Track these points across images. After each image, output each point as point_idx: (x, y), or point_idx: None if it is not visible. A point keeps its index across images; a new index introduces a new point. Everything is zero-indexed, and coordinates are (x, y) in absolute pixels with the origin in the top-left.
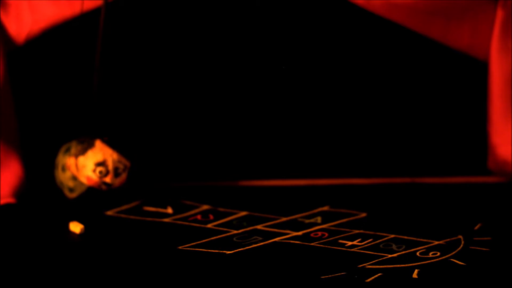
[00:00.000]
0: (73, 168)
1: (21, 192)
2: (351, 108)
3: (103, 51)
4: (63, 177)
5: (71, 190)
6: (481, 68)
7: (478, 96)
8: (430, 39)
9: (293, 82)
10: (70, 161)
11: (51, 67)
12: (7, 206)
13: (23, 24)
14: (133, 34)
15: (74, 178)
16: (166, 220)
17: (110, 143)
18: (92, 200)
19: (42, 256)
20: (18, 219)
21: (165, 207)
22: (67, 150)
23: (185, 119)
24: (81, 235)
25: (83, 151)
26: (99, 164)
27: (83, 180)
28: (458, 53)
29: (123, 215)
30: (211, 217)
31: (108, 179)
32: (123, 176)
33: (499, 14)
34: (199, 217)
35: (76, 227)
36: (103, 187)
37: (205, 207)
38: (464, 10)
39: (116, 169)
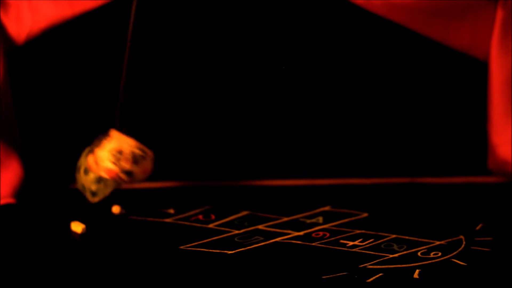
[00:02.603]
0: (93, 167)
1: (21, 192)
2: (352, 108)
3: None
4: (85, 180)
5: (94, 194)
6: (481, 68)
7: (478, 96)
8: (430, 39)
9: (294, 82)
10: (90, 159)
11: (51, 67)
12: (7, 206)
13: (23, 24)
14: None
15: (98, 181)
16: (167, 220)
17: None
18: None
19: (43, 255)
20: (18, 219)
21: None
22: (90, 152)
23: (187, 119)
24: (82, 234)
25: (99, 144)
26: (114, 152)
27: (103, 174)
28: (458, 53)
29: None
30: (213, 217)
31: (125, 165)
32: (145, 164)
33: (499, 14)
34: (200, 217)
35: (77, 227)
36: (123, 176)
37: (207, 206)
38: (464, 10)
39: (134, 156)
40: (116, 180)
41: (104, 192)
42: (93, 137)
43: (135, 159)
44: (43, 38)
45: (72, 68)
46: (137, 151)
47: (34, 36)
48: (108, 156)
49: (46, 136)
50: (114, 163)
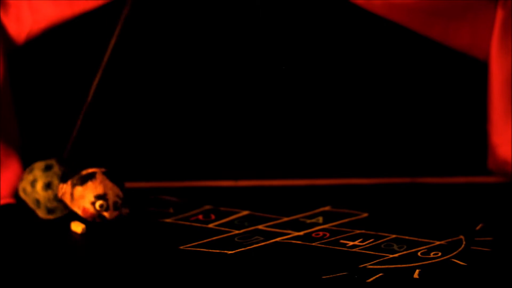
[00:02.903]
0: (66, 196)
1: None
2: (352, 108)
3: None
4: (42, 196)
5: (50, 211)
6: (481, 68)
7: (478, 96)
8: (430, 39)
9: (295, 82)
10: (64, 188)
11: (51, 67)
12: (7, 206)
13: (23, 24)
14: (131, 34)
15: (58, 200)
16: (167, 220)
17: (109, 174)
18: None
19: (43, 255)
20: (19, 219)
21: (168, 207)
22: (48, 168)
23: (187, 119)
24: (82, 234)
25: (82, 181)
26: (99, 197)
27: (77, 210)
28: (458, 53)
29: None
30: (213, 217)
31: (107, 214)
32: (122, 211)
33: (499, 14)
34: (200, 217)
35: (77, 227)
36: (97, 220)
37: (207, 207)
38: (464, 10)
39: (115, 203)
40: (87, 219)
41: (63, 211)
42: (93, 137)
43: (115, 207)
44: (43, 38)
45: (72, 68)
46: (118, 200)
47: (34, 36)
48: (90, 199)
49: (46, 136)
50: (94, 207)
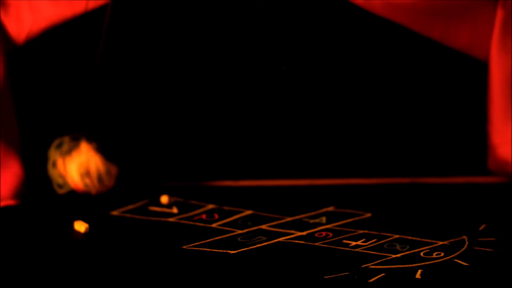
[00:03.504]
0: (62, 170)
1: (21, 192)
2: (353, 108)
3: (103, 51)
4: (53, 173)
5: (60, 186)
6: (481, 68)
7: (478, 96)
8: (430, 39)
9: (296, 83)
10: (60, 161)
11: (51, 67)
12: (8, 207)
13: (23, 24)
14: (131, 33)
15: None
16: (171, 219)
17: (99, 148)
18: (97, 199)
19: (47, 255)
20: (20, 220)
21: (171, 207)
22: (59, 146)
23: (191, 119)
24: (86, 234)
25: (68, 152)
26: (82, 167)
27: (69, 181)
28: (458, 53)
29: (128, 215)
30: (216, 216)
31: (89, 183)
32: (108, 181)
33: (499, 14)
34: (204, 216)
35: (80, 227)
36: (85, 190)
37: (210, 206)
38: (464, 10)
39: (99, 175)
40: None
41: (69, 186)
42: (92, 136)
43: (99, 178)
44: (43, 38)
45: (72, 68)
46: (103, 170)
47: (34, 36)
48: (75, 170)
49: (46, 136)
50: (80, 177)
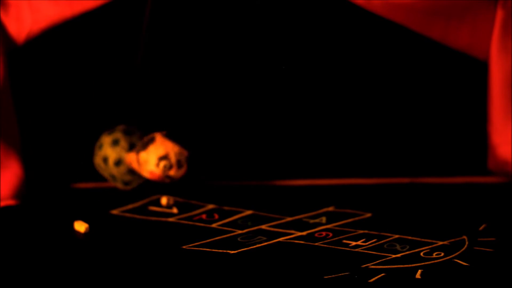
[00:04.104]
0: (134, 164)
1: (21, 192)
2: (353, 109)
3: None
4: (117, 172)
5: (127, 183)
6: (481, 68)
7: (478, 96)
8: (430, 39)
9: (296, 83)
10: (131, 157)
11: (51, 67)
12: (8, 207)
13: (23, 24)
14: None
15: (131, 172)
16: (170, 219)
17: (169, 136)
18: (97, 199)
19: (47, 255)
20: (20, 220)
21: (171, 208)
22: (116, 143)
23: (191, 119)
24: (86, 234)
25: (144, 146)
26: (162, 158)
27: (146, 174)
28: (458, 53)
29: (128, 215)
30: (216, 216)
31: (172, 172)
32: (185, 167)
33: (499, 14)
34: (204, 216)
35: (81, 227)
36: (166, 180)
37: (210, 206)
38: (464, 10)
39: (179, 162)
40: (157, 181)
41: (138, 181)
42: (93, 136)
43: (179, 165)
44: (43, 38)
45: (72, 68)
46: (181, 157)
47: (34, 36)
48: (154, 161)
49: (46, 136)
50: (159, 168)
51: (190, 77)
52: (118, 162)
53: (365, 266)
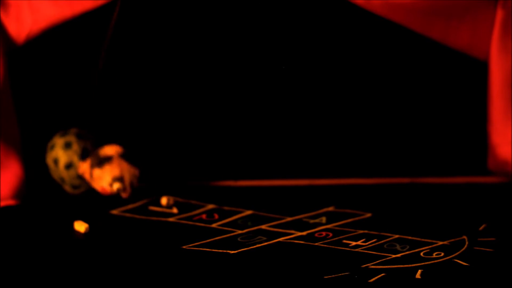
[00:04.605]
0: (87, 175)
1: (21, 192)
2: (353, 109)
3: (106, 50)
4: (67, 175)
5: (76, 187)
6: (481, 68)
7: (478, 96)
8: (430, 39)
9: (295, 83)
10: (83, 167)
11: (51, 67)
12: (8, 207)
13: (23, 24)
14: (131, 35)
15: (81, 177)
16: (170, 219)
17: (125, 154)
18: (97, 199)
19: (47, 255)
20: (20, 220)
21: (171, 208)
22: (67, 146)
23: (190, 119)
24: (86, 234)
25: (100, 164)
26: (116, 179)
27: (96, 187)
28: (458, 53)
29: (128, 215)
30: (216, 216)
31: (124, 195)
32: (135, 186)
33: (499, 14)
34: (204, 216)
35: (80, 227)
36: (113, 195)
37: (210, 206)
38: (464, 10)
39: (131, 184)
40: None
41: (87, 187)
42: (92, 136)
43: (132, 186)
44: (43, 38)
45: (72, 68)
46: (134, 179)
47: (34, 36)
48: (108, 180)
49: (46, 136)
50: (112, 188)
51: (190, 77)
52: (69, 166)
53: (365, 266)
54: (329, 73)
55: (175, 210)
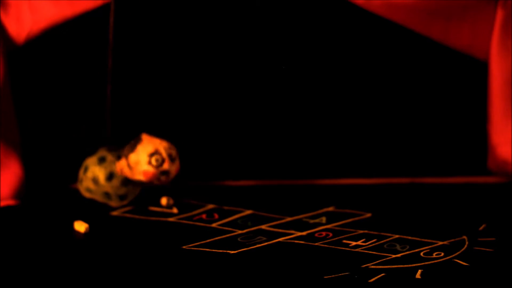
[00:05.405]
0: (126, 170)
1: (21, 193)
2: (353, 108)
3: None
4: (110, 187)
5: (123, 197)
6: (481, 68)
7: (478, 96)
8: (430, 39)
9: (295, 83)
10: (120, 164)
11: (51, 67)
12: (8, 207)
13: (23, 24)
14: (131, 35)
15: (125, 183)
16: (170, 219)
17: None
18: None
19: (47, 255)
20: (20, 220)
21: (171, 208)
22: (102, 160)
23: (190, 119)
24: (86, 234)
25: (132, 149)
26: (152, 154)
27: (140, 177)
28: (458, 53)
29: (128, 215)
30: (216, 216)
31: (166, 166)
32: (177, 162)
33: (499, 14)
34: (204, 216)
35: (80, 227)
36: (162, 178)
37: (210, 206)
38: (464, 10)
39: (170, 155)
40: (153, 181)
41: (134, 192)
42: (92, 136)
43: (171, 159)
44: (43, 38)
45: (72, 68)
46: (172, 151)
47: (34, 36)
48: (145, 159)
49: (46, 136)
50: (152, 165)
51: (190, 77)
52: (110, 176)
53: (365, 266)
54: (329, 73)
55: (175, 210)
